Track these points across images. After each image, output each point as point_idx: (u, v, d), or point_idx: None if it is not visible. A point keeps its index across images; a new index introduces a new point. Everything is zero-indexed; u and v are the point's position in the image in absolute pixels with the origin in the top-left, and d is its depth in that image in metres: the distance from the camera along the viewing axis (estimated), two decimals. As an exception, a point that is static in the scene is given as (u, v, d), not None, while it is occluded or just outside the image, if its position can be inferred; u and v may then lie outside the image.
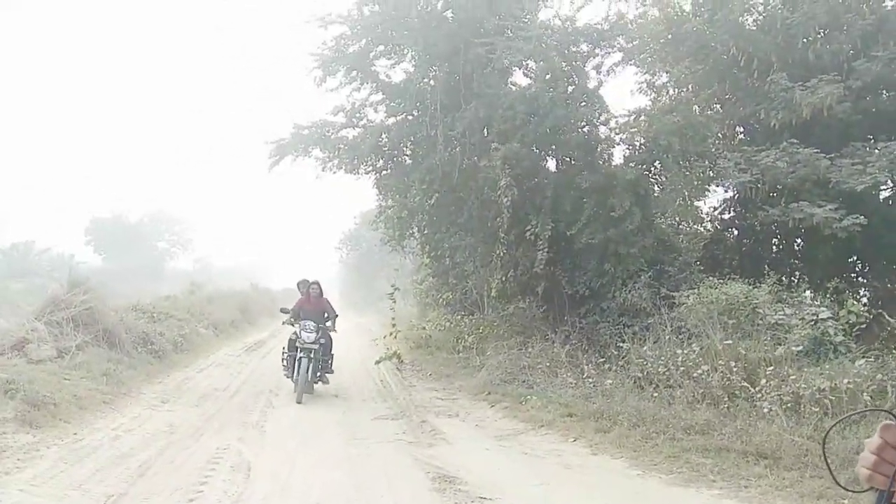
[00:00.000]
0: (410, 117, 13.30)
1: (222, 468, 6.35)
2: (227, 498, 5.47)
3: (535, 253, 11.52)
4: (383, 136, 13.21)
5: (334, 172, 13.50)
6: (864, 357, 7.97)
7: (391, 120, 13.48)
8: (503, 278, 12.75)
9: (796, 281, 11.84)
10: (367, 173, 13.92)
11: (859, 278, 12.86)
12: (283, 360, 11.27)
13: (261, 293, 33.64)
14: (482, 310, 15.04)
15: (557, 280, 12.23)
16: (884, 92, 12.92)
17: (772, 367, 7.99)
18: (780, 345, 8.52)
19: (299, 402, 10.14)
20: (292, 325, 11.17)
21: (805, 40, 12.91)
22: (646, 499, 5.85)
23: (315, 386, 11.02)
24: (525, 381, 10.58)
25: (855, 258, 12.78)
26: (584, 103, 12.35)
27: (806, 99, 11.97)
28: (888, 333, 10.00)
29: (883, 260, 12.66)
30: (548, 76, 12.30)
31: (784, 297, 9.88)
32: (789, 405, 7.30)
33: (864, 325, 9.42)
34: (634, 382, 9.18)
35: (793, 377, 7.67)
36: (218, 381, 11.99)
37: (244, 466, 6.44)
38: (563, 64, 12.47)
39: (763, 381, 7.85)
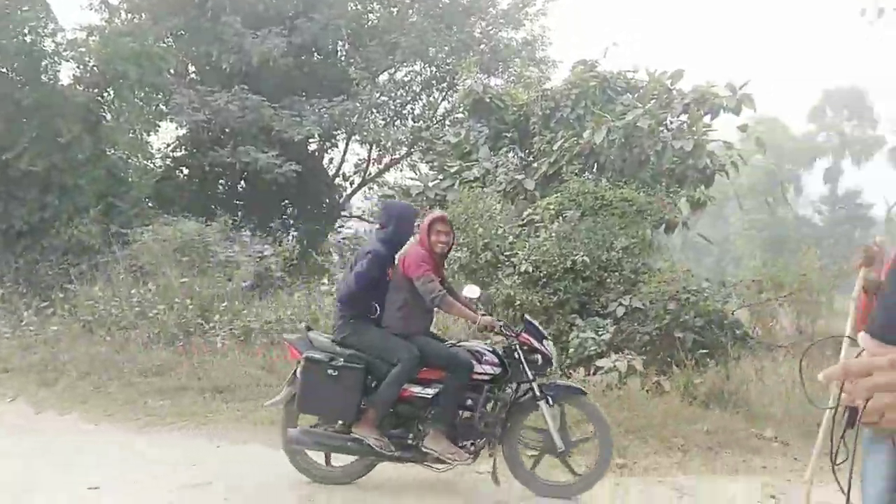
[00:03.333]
0: None
1: None
2: None
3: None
4: None
5: None
6: (299, 290, 9.27)
7: None
8: None
9: (240, 221, 12.82)
10: None
11: (291, 220, 14.70)
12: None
13: None
14: None
15: (-11, 212, 10.32)
16: (316, 53, 14.88)
17: (225, 303, 8.57)
18: (230, 280, 9.20)
19: None
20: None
21: (259, -9, 13.79)
22: (101, 452, 5.40)
23: None
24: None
25: (288, 202, 14.54)
26: (27, 7, 10.49)
27: (256, 47, 12.90)
28: (311, 267, 11.90)
29: (308, 204, 14.79)
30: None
31: (232, 235, 10.63)
32: (241, 338, 8.00)
33: (295, 262, 10.90)
34: (84, 327, 8.58)
35: (244, 311, 8.42)
36: None
37: None
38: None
39: (217, 316, 8.36)
